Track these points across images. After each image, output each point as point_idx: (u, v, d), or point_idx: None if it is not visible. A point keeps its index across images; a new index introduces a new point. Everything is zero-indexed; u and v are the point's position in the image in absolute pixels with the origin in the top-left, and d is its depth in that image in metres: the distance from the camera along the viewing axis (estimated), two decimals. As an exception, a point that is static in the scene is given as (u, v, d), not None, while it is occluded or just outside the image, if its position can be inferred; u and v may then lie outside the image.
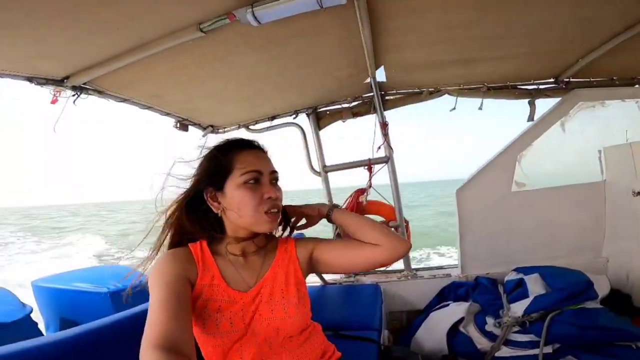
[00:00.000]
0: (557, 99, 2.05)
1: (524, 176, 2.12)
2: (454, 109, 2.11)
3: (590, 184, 2.14)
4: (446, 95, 2.13)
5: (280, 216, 0.91)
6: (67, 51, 1.17)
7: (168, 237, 0.91)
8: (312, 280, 2.28)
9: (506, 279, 1.98)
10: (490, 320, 1.70)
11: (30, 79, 1.28)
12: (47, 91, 1.36)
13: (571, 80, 2.01)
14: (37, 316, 2.06)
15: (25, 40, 1.04)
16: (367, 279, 2.37)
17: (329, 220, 1.02)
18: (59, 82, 1.35)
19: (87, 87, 1.43)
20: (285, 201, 0.96)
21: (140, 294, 0.87)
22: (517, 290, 1.79)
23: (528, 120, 2.08)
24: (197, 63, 1.40)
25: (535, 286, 1.73)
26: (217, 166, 0.87)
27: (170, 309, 0.70)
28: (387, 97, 2.17)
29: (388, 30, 1.40)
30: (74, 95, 1.40)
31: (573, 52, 1.70)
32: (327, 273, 1.04)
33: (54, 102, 1.42)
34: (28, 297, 2.16)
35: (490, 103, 2.08)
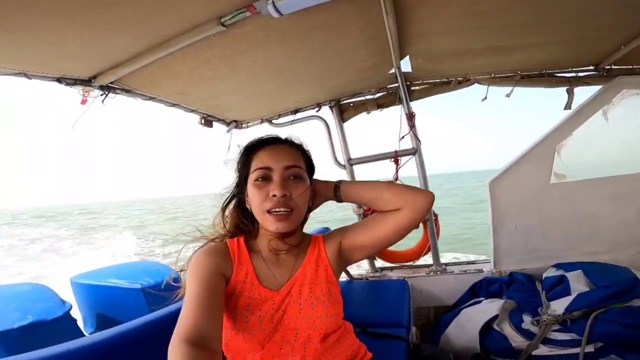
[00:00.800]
0: (597, 87, 1.93)
1: (564, 167, 2.00)
2: (485, 98, 2.02)
3: (634, 175, 2.01)
4: (475, 85, 2.04)
5: (298, 214, 0.85)
6: (92, 51, 1.19)
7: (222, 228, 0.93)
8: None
9: (545, 275, 1.90)
10: (527, 318, 1.64)
11: (59, 80, 1.31)
12: (68, 91, 1.40)
13: (613, 67, 1.89)
14: (76, 312, 2.15)
15: (52, 41, 1.06)
16: (394, 274, 2.34)
17: (338, 201, 0.95)
18: (86, 82, 1.38)
19: (115, 86, 1.46)
20: None
21: (174, 288, 0.91)
22: (558, 287, 1.72)
23: (565, 109, 1.96)
24: (219, 58, 1.39)
25: (578, 283, 1.65)
26: (243, 165, 0.90)
27: (203, 303, 0.71)
28: (412, 88, 2.11)
29: (413, 20, 1.36)
30: (102, 95, 1.43)
31: (614, 39, 1.61)
32: (363, 258, 0.99)
33: (83, 102, 1.46)
34: (67, 294, 2.27)
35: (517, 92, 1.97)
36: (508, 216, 2.08)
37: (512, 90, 1.95)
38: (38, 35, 1.00)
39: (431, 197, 0.88)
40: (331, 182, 0.96)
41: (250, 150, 0.89)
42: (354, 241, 0.92)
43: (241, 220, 0.93)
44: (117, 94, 1.49)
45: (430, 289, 2.23)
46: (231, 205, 0.93)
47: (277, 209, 0.81)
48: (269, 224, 0.83)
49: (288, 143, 0.91)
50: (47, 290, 2.16)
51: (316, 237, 0.97)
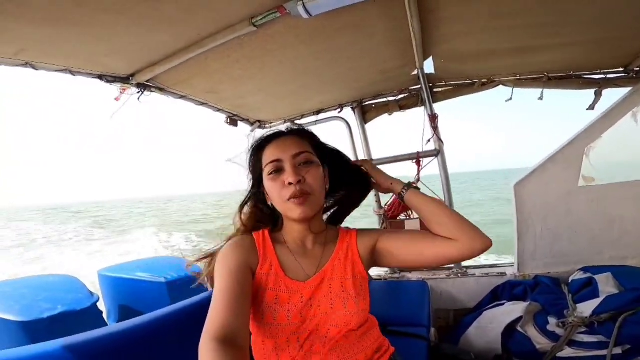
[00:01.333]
0: (627, 89, 1.89)
1: (592, 170, 1.96)
2: (510, 99, 2.01)
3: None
4: (500, 87, 2.03)
5: (316, 197, 0.86)
6: (134, 48, 1.26)
7: (239, 228, 0.95)
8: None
9: (572, 278, 1.87)
10: (552, 320, 1.62)
11: (100, 77, 1.40)
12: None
13: (643, 69, 1.84)
14: (102, 304, 2.24)
15: (99, 37, 1.12)
16: (413, 276, 2.33)
17: (401, 200, 0.97)
18: (125, 80, 1.46)
19: (150, 84, 1.54)
20: None
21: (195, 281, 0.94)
22: (585, 290, 1.68)
23: (588, 109, 1.93)
24: (249, 58, 1.45)
25: (606, 286, 1.62)
26: (254, 164, 0.93)
27: (230, 299, 0.73)
28: (435, 89, 2.12)
29: (437, 21, 1.38)
30: (138, 93, 1.52)
31: (644, 40, 1.57)
32: (390, 266, 1.00)
33: (117, 99, 1.54)
34: (96, 286, 2.36)
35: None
36: (534, 219, 2.05)
37: (542, 93, 1.93)
38: (87, 30, 1.06)
39: (488, 245, 0.84)
40: (399, 180, 0.99)
41: (259, 149, 0.92)
42: (390, 247, 0.91)
43: (261, 217, 0.95)
44: (152, 92, 1.57)
45: (451, 291, 2.21)
46: (248, 205, 0.96)
47: (295, 196, 0.82)
48: (291, 211, 0.84)
49: (292, 133, 0.93)
50: (77, 282, 2.25)
51: (347, 230, 0.98)
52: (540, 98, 1.94)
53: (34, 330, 1.68)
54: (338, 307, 0.82)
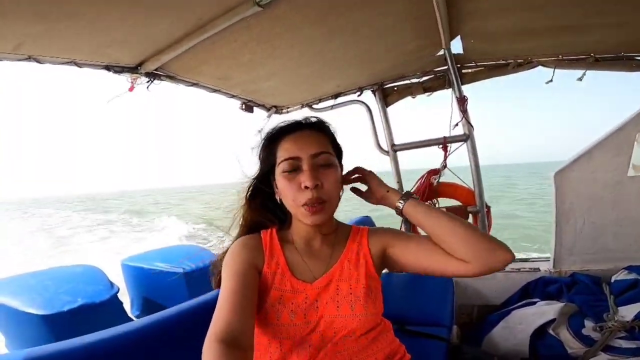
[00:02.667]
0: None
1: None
2: (551, 81, 1.85)
3: None
4: (539, 67, 1.86)
5: (332, 205, 0.82)
6: (136, 37, 1.24)
7: (240, 223, 0.93)
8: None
9: (614, 278, 1.74)
10: (589, 324, 1.53)
11: (108, 68, 1.40)
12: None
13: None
14: (124, 293, 2.32)
15: (100, 28, 1.11)
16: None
17: (399, 213, 0.87)
18: (133, 70, 1.46)
19: (159, 73, 1.53)
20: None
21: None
22: (630, 292, 1.57)
23: None
24: (257, 41, 1.41)
25: (654, 288, 1.48)
26: (266, 156, 0.88)
27: (236, 300, 0.73)
28: (464, 70, 1.99)
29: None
30: (147, 82, 1.51)
31: None
32: (396, 272, 0.92)
33: (131, 89, 1.54)
34: (117, 276, 2.45)
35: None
36: (575, 211, 1.92)
37: (584, 74, 1.77)
38: (87, 22, 1.05)
39: (508, 261, 0.76)
40: (396, 190, 0.90)
41: (273, 140, 0.87)
42: (398, 257, 0.87)
43: (266, 214, 0.92)
44: (162, 80, 1.57)
45: (477, 286, 2.14)
46: (253, 201, 0.92)
47: (310, 203, 0.78)
48: (304, 217, 0.81)
49: (312, 127, 0.87)
50: (98, 273, 2.33)
51: (358, 229, 0.93)
52: (580, 79, 1.78)
53: (54, 323, 1.77)
54: (345, 311, 0.80)
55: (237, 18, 1.17)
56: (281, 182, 0.82)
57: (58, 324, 1.77)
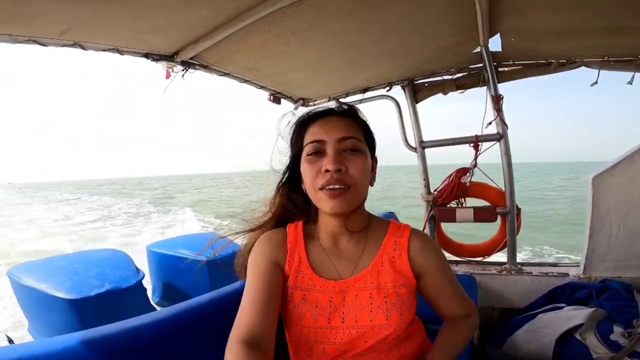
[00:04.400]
0: None
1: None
2: (596, 82, 1.82)
3: None
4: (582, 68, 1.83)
5: (356, 192, 0.78)
6: (175, 24, 1.28)
7: (267, 216, 0.94)
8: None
9: (647, 285, 1.71)
10: (617, 330, 1.53)
11: (147, 56, 1.47)
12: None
13: None
14: (147, 278, 2.39)
15: (140, 14, 1.14)
16: (460, 269, 2.27)
17: None
18: (170, 58, 1.52)
19: (194, 62, 1.58)
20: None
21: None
22: None
23: None
24: (291, 32, 1.43)
25: (688, 297, 1.47)
26: (295, 141, 0.87)
27: (258, 300, 0.75)
28: (500, 68, 1.98)
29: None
30: (182, 70, 1.55)
31: None
32: None
33: (167, 76, 1.59)
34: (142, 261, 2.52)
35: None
36: (611, 216, 1.90)
37: (633, 77, 1.73)
38: (128, 8, 1.09)
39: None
40: None
41: (303, 125, 0.85)
42: (425, 289, 0.88)
43: (292, 202, 0.91)
44: (196, 69, 1.62)
45: (500, 289, 2.14)
46: (280, 192, 0.92)
47: (330, 186, 0.75)
48: (322, 202, 0.77)
49: (342, 113, 0.85)
50: (125, 258, 2.42)
51: (398, 226, 0.88)
52: (630, 82, 1.74)
53: (80, 308, 1.84)
54: (380, 321, 0.77)
55: (275, 7, 1.19)
56: (304, 166, 0.81)
57: (83, 309, 1.83)
